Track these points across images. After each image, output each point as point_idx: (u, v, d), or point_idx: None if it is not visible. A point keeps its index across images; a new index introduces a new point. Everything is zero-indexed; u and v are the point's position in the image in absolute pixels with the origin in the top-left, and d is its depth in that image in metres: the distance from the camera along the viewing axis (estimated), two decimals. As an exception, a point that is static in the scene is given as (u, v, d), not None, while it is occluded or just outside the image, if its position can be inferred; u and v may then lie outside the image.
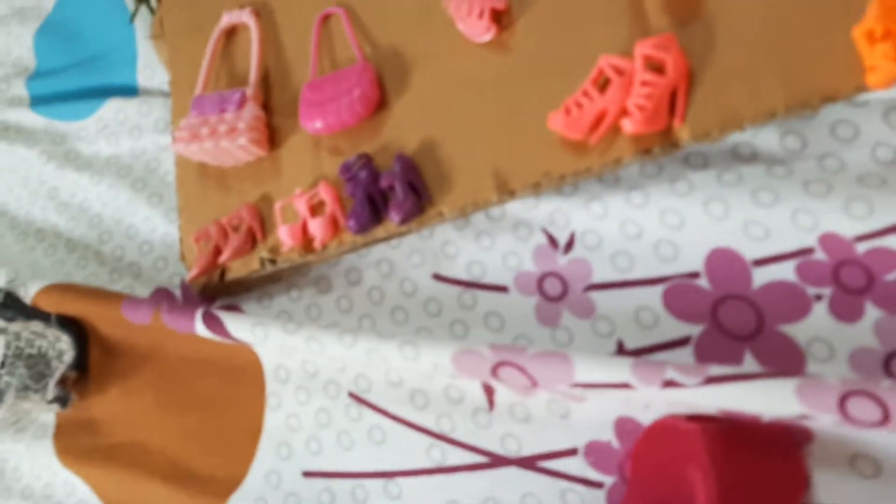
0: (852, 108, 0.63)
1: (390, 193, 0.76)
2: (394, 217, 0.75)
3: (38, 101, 1.17)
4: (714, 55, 0.64)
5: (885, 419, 0.55)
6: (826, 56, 0.59)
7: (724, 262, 0.67)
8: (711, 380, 0.60)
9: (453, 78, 0.77)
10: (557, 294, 0.74)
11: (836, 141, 0.64)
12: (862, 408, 0.55)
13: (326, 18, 0.86)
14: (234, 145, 0.84)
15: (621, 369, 0.63)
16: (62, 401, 0.98)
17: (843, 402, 0.56)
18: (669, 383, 0.61)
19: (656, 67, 0.65)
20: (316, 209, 0.81)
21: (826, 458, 0.61)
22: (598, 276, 0.72)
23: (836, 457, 0.60)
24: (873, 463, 0.59)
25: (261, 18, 0.91)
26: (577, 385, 0.66)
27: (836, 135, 0.64)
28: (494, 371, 0.69)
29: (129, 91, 1.08)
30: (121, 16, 1.08)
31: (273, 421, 0.85)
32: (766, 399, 0.58)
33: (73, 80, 1.14)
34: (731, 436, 0.61)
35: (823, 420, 0.57)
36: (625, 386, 0.63)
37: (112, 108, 1.08)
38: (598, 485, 0.68)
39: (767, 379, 0.58)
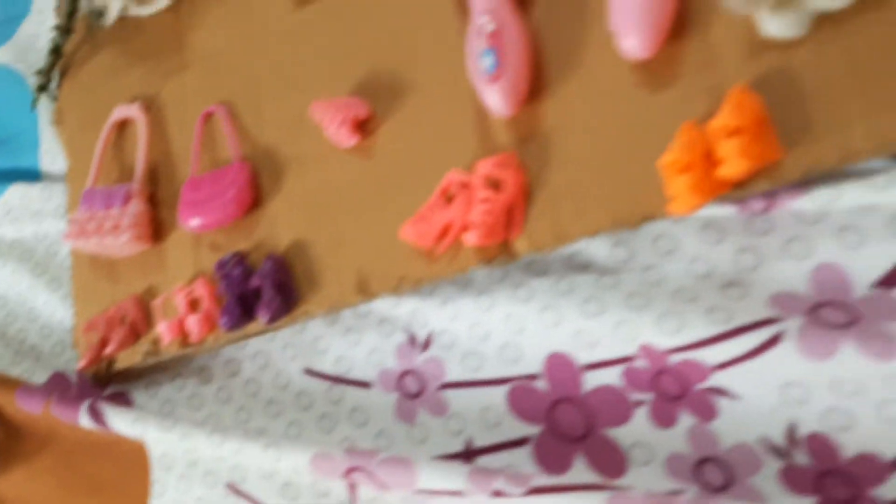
0: (672, 223, 0.67)
1: (261, 292, 0.80)
2: (262, 317, 0.79)
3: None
4: (549, 173, 0.69)
5: (683, 532, 0.59)
6: (643, 182, 0.63)
7: (559, 365, 0.71)
8: (534, 490, 0.63)
9: (322, 180, 0.81)
10: (415, 391, 0.78)
11: (658, 253, 0.68)
12: None
13: (209, 116, 0.90)
14: (118, 242, 0.88)
15: (458, 478, 0.66)
16: (-35, 481, 0.99)
17: (646, 514, 0.59)
18: (498, 493, 0.64)
19: (495, 184, 0.69)
20: (194, 304, 0.84)
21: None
22: (451, 375, 0.76)
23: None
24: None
25: (150, 113, 0.95)
26: (419, 491, 0.69)
27: (658, 247, 0.68)
28: (347, 474, 0.72)
29: (33, 175, 1.11)
30: (26, 99, 1.11)
31: (157, 507, 0.88)
32: (580, 509, 0.62)
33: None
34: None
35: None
36: (457, 494, 0.66)
37: (17, 193, 1.11)
38: (448, 579, 0.71)
39: (583, 492, 0.62)
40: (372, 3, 0.81)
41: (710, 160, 0.59)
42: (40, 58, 1.13)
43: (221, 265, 0.83)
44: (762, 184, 0.59)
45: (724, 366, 0.63)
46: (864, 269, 0.60)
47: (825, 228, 0.61)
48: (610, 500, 0.60)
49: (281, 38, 0.86)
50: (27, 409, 0.93)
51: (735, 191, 0.60)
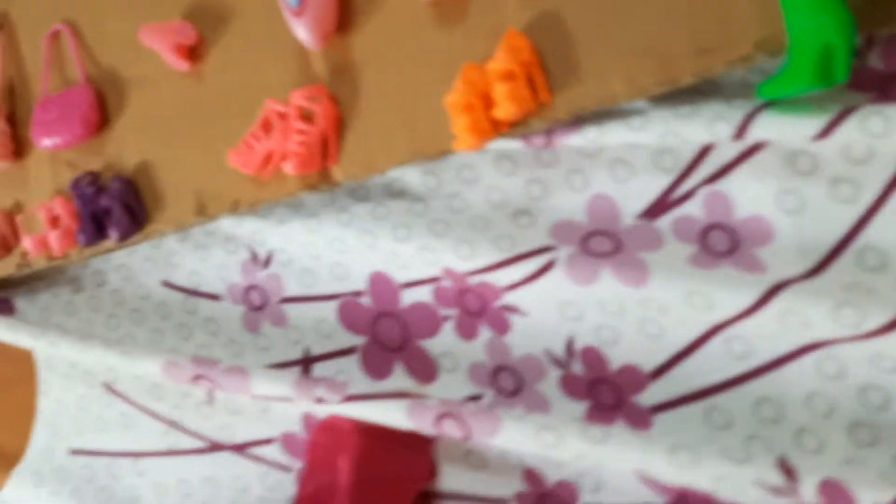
0: (475, 154, 0.71)
1: (111, 211, 0.84)
2: (112, 234, 0.83)
3: None
4: (359, 106, 0.72)
5: (466, 437, 0.66)
6: (438, 115, 0.67)
7: (380, 283, 0.77)
8: (349, 398, 0.71)
9: (163, 102, 0.83)
10: (259, 304, 0.84)
11: (462, 182, 0.72)
12: (451, 427, 0.67)
13: (56, 35, 0.90)
14: (-19, 158, 0.90)
15: (285, 386, 0.73)
16: None
17: (438, 421, 0.67)
18: (319, 400, 0.72)
19: (308, 116, 0.72)
20: (54, 221, 0.88)
21: (448, 452, 0.73)
22: (290, 291, 0.82)
23: (455, 452, 0.73)
24: (480, 457, 0.72)
25: (3, 31, 0.94)
26: (256, 396, 0.76)
27: (462, 177, 0.72)
28: (195, 380, 0.79)
29: None
30: None
31: (45, 403, 0.95)
32: (386, 416, 0.69)
33: None
34: (378, 434, 0.73)
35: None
36: (287, 400, 0.74)
37: None
38: (289, 469, 0.80)
39: (388, 400, 0.69)
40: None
41: (487, 101, 0.62)
42: None
43: (76, 184, 0.86)
44: (536, 123, 0.63)
45: (512, 287, 0.69)
46: (631, 200, 0.65)
47: (600, 162, 0.66)
48: (410, 407, 0.68)
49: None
50: None
51: (512, 130, 0.63)
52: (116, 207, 0.83)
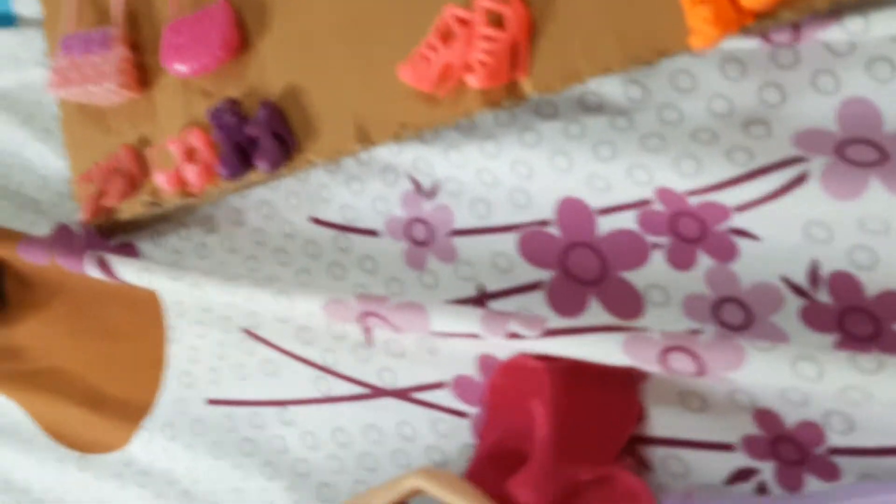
0: (692, 59, 0.63)
1: (257, 141, 0.77)
2: (261, 166, 0.76)
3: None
4: (555, 6, 0.64)
5: (700, 372, 0.59)
6: (659, 14, 0.59)
7: (571, 210, 0.69)
8: (549, 332, 0.63)
9: (313, 21, 0.75)
10: (423, 239, 0.76)
11: (676, 91, 0.64)
12: (680, 362, 0.59)
13: (185, -49, 0.82)
14: (104, 90, 0.83)
15: (471, 322, 0.66)
16: (-16, 330, 1.01)
17: (663, 355, 0.60)
18: (513, 335, 0.65)
19: (497, 20, 0.64)
20: (190, 154, 0.81)
21: (659, 394, 0.66)
22: (460, 223, 0.74)
23: (667, 393, 0.65)
24: (700, 398, 0.64)
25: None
26: (433, 334, 0.69)
27: (676, 85, 0.64)
28: (361, 319, 0.73)
29: (7, 20, 1.03)
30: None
31: (174, 352, 0.89)
32: (596, 351, 0.62)
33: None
34: (574, 372, 0.66)
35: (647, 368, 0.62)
36: (474, 336, 0.67)
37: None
38: (464, 414, 0.74)
39: (599, 333, 0.62)
40: None
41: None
42: None
43: (215, 114, 0.79)
44: (787, 13, 0.55)
45: (745, 207, 0.61)
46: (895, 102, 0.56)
47: (855, 60, 0.57)
48: (627, 340, 0.60)
49: None
50: (32, 261, 0.93)
51: (759, 21, 0.55)
52: (265, 136, 0.75)
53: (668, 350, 0.59)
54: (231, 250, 0.87)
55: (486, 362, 0.73)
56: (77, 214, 0.98)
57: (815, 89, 0.59)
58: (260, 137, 0.76)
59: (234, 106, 0.79)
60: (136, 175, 0.86)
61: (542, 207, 0.70)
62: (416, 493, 0.66)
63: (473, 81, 0.65)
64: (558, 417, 0.64)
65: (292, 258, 0.83)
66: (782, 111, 0.60)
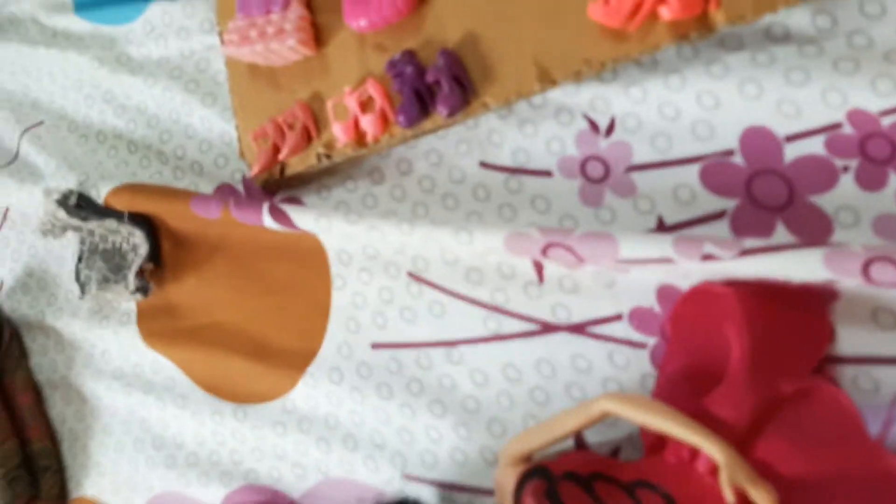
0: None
1: (436, 88, 0.81)
2: (441, 111, 0.80)
3: (81, 6, 1.20)
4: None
5: (905, 280, 0.61)
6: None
7: (757, 139, 0.71)
8: (746, 252, 0.66)
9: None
10: (600, 176, 0.80)
11: (865, 18, 0.66)
12: (883, 272, 0.61)
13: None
14: (284, 47, 0.88)
15: (663, 246, 0.69)
16: (143, 290, 1.06)
17: (866, 267, 0.62)
18: (708, 257, 0.67)
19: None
20: (365, 105, 0.86)
21: (850, 313, 0.67)
22: (638, 158, 0.77)
23: (859, 312, 0.67)
24: (893, 315, 0.66)
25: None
26: (622, 261, 0.72)
27: (864, 12, 0.66)
28: (544, 251, 0.76)
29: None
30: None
31: (340, 299, 0.94)
32: (796, 267, 0.64)
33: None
34: (762, 296, 0.68)
35: (847, 283, 0.64)
36: (667, 261, 0.69)
37: (157, 11, 1.11)
38: (642, 345, 0.76)
39: (798, 249, 0.64)
40: None
41: None
42: None
43: (393, 65, 0.84)
44: None
45: (941, 125, 0.63)
46: None
47: None
48: (828, 254, 0.62)
49: None
50: (204, 215, 0.98)
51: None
52: (445, 81, 0.79)
53: (870, 261, 0.61)
54: (398, 199, 0.91)
55: (666, 293, 0.75)
56: (238, 176, 1.04)
57: None
58: (441, 82, 0.80)
59: (412, 56, 0.83)
60: (310, 129, 0.91)
61: (726, 137, 0.73)
62: (605, 416, 0.69)
63: (667, 13, 0.68)
64: (753, 339, 0.66)
65: (459, 202, 0.86)
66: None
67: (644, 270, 0.74)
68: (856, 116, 0.66)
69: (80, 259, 1.09)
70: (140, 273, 1.06)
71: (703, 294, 0.71)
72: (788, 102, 0.68)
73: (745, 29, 0.72)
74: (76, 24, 1.20)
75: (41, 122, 1.21)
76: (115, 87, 1.14)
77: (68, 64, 1.19)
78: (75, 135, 1.18)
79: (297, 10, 0.89)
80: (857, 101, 0.65)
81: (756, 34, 0.71)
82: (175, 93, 1.08)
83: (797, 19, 0.69)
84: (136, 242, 1.07)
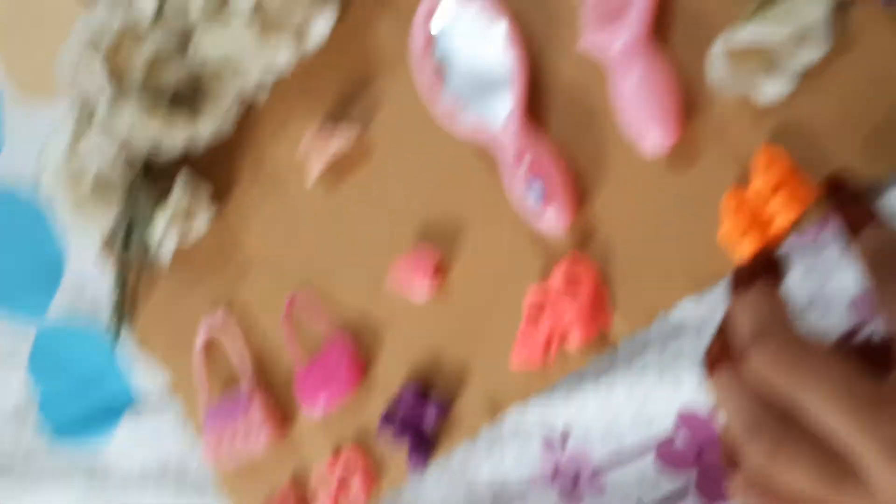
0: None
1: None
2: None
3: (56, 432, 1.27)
4: (616, 263, 0.77)
5: None
6: (708, 250, 0.73)
7: (691, 419, 0.81)
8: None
9: (420, 330, 0.89)
10: (570, 486, 0.87)
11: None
12: None
13: (291, 307, 0.98)
14: (259, 442, 0.96)
15: None
16: None
17: None
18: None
19: (574, 280, 0.78)
20: (349, 472, 0.93)
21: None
22: (597, 460, 0.86)
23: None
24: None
25: (233, 312, 1.03)
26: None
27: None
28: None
29: (131, 400, 1.18)
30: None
31: None
32: None
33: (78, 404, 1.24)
34: None
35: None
36: None
37: (127, 426, 1.18)
38: None
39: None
40: (396, 171, 0.91)
41: (760, 220, 0.68)
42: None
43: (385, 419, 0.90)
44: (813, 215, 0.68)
45: None
46: None
47: None
48: None
49: (325, 221, 0.96)
50: None
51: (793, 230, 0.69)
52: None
53: None
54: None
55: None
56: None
57: None
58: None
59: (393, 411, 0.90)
60: (302, 506, 0.97)
61: (665, 423, 0.82)
62: None
63: (574, 339, 0.78)
64: None
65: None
66: None
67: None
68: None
69: None
70: None
71: None
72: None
73: (649, 331, 0.82)
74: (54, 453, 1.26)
75: None
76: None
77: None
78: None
79: (259, 403, 0.97)
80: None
81: (654, 333, 0.82)
82: (165, 500, 1.13)
83: (682, 312, 0.80)
84: None
